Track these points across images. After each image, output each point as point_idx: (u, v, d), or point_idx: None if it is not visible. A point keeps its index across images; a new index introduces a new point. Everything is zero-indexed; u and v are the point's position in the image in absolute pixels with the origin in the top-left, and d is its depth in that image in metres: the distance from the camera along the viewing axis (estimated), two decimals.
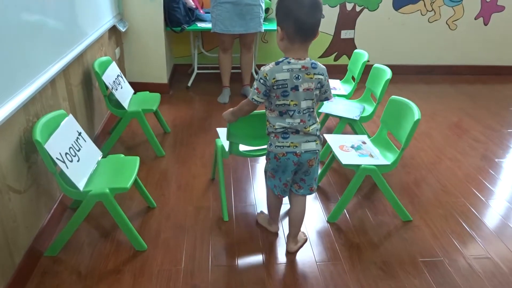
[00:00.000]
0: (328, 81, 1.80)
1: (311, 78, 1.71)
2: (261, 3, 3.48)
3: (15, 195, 1.75)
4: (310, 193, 1.95)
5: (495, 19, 4.60)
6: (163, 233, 2.13)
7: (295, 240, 2.05)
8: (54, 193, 2.17)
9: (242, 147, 2.24)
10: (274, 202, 2.07)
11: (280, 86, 1.69)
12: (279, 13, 1.70)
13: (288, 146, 1.77)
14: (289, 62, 1.69)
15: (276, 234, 2.15)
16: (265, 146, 1.92)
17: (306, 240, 2.12)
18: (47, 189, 2.08)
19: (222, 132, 2.35)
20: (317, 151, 1.82)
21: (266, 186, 2.02)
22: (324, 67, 1.77)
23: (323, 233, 2.18)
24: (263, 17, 3.56)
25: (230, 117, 1.97)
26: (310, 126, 1.77)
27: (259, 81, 1.71)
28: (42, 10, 2.03)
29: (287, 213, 2.23)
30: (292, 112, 1.73)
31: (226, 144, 2.26)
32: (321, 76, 1.73)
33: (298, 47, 1.70)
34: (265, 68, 1.71)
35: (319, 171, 2.65)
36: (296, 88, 1.70)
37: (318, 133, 1.81)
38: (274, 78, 1.68)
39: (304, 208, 1.98)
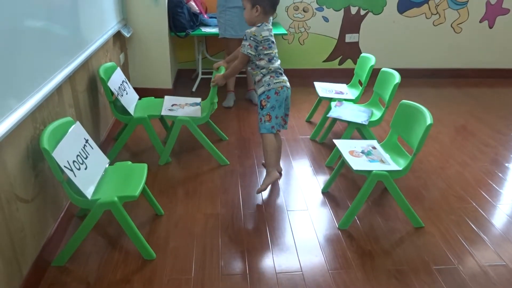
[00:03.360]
0: None
1: (273, 34, 2.46)
2: None
3: (22, 204, 1.72)
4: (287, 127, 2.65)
5: (500, 22, 4.58)
6: (172, 242, 2.09)
7: (279, 163, 2.73)
8: (61, 202, 2.14)
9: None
10: (273, 144, 2.48)
11: (266, 40, 2.39)
12: None
13: (282, 81, 2.44)
14: (266, 25, 2.40)
15: (285, 241, 2.12)
16: None
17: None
18: (53, 197, 2.05)
19: (168, 113, 2.77)
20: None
21: (264, 138, 2.46)
22: None
23: (335, 240, 2.14)
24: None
25: (223, 81, 2.62)
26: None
27: (250, 39, 2.38)
28: (48, 17, 2.00)
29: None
30: (275, 58, 2.45)
31: (192, 113, 2.74)
32: None
33: (268, 17, 2.43)
34: (252, 29, 2.38)
35: (329, 176, 2.64)
36: (273, 41, 2.43)
37: None
38: (261, 35, 2.37)
39: (281, 141, 2.71)
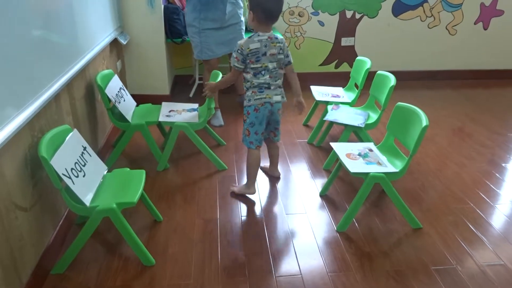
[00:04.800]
0: (287, 47, 2.38)
1: (275, 45, 2.29)
2: (241, 19, 3.38)
3: (21, 213, 1.72)
4: (279, 139, 2.59)
5: (494, 24, 4.61)
6: (171, 247, 2.10)
7: (277, 167, 2.74)
8: (59, 209, 2.14)
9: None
10: (255, 159, 2.46)
11: (254, 54, 2.26)
12: (253, 1, 2.24)
13: (265, 98, 2.33)
14: (258, 35, 2.26)
15: (284, 244, 2.12)
16: None
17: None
18: (52, 205, 2.05)
19: (166, 119, 2.80)
20: (282, 102, 2.41)
21: (248, 152, 2.46)
22: (282, 37, 2.42)
23: (333, 243, 2.15)
24: (244, 30, 3.47)
25: (214, 90, 2.60)
26: (277, 80, 2.36)
27: (237, 51, 2.28)
28: (45, 26, 2.02)
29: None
30: (264, 71, 2.30)
31: (190, 119, 2.78)
32: (281, 44, 2.32)
33: (264, 27, 2.28)
34: (241, 41, 2.28)
35: (326, 179, 2.65)
36: (264, 54, 2.27)
37: (282, 86, 2.41)
38: (248, 48, 2.25)
39: (278, 147, 2.67)
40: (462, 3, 4.50)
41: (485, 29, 4.65)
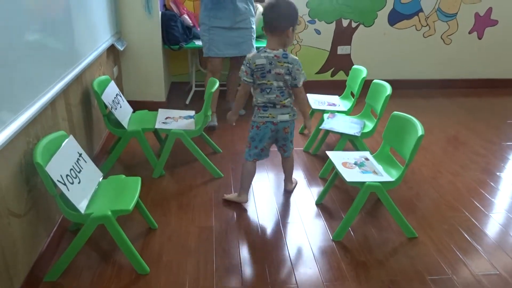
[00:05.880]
0: (298, 70, 2.24)
1: (282, 65, 2.22)
2: (252, 26, 3.42)
3: (14, 219, 1.71)
4: (291, 152, 2.52)
5: (488, 33, 4.66)
6: (166, 255, 2.08)
7: (290, 181, 2.68)
8: (54, 216, 2.12)
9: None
10: (248, 171, 2.47)
11: (259, 69, 2.23)
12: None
13: (267, 117, 2.32)
14: (265, 51, 2.24)
15: (279, 253, 2.12)
16: None
17: (297, 183, 2.76)
18: (46, 212, 2.03)
19: (162, 126, 2.80)
20: (290, 121, 2.36)
21: (243, 163, 2.48)
22: (296, 58, 2.25)
23: (329, 252, 2.14)
24: (254, 38, 3.51)
25: (235, 116, 2.51)
26: (285, 100, 2.30)
27: (246, 65, 2.27)
28: (42, 31, 2.01)
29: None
30: (269, 89, 2.26)
31: (186, 126, 2.78)
32: (290, 65, 2.22)
33: (268, 37, 2.26)
34: (250, 55, 2.27)
35: (322, 188, 2.65)
36: (269, 71, 2.23)
37: (291, 105, 2.35)
38: (254, 63, 2.23)
39: (292, 161, 2.61)
40: (457, 13, 4.54)
41: (479, 38, 4.69)
